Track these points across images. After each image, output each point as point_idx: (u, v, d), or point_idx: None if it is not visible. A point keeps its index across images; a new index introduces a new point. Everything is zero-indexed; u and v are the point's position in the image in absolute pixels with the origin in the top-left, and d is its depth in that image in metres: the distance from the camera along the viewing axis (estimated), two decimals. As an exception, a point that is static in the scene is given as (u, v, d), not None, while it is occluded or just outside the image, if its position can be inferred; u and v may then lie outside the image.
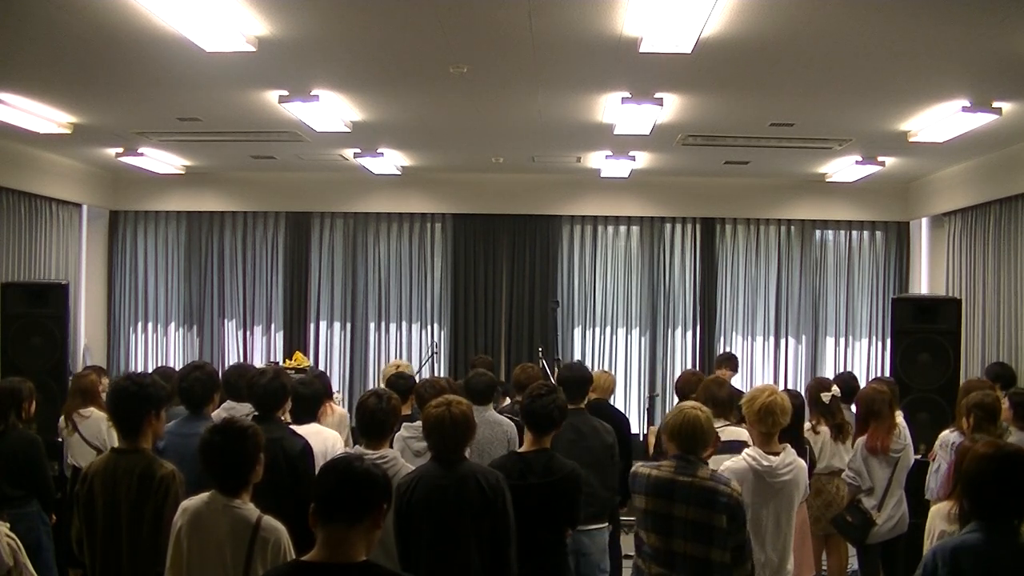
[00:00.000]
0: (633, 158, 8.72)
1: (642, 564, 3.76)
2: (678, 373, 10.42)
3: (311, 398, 4.73)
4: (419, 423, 4.75)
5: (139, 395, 3.55)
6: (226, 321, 10.69)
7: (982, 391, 5.08)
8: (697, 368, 10.21)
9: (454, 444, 3.72)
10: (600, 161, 8.96)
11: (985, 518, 2.88)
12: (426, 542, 3.64)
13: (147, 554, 3.38)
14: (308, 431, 4.48)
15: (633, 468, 3.82)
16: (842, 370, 9.56)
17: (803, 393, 6.06)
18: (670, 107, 6.54)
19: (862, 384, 6.68)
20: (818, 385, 6.15)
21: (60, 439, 5.90)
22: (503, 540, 3.65)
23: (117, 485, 3.44)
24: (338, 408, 5.96)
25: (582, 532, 4.75)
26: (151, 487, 3.42)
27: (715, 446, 3.84)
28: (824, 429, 5.93)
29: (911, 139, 7.23)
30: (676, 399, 6.07)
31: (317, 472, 2.65)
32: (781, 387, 6.89)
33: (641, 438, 8.77)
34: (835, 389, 5.98)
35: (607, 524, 5.06)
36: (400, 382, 5.30)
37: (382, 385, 5.54)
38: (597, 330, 10.58)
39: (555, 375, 7.78)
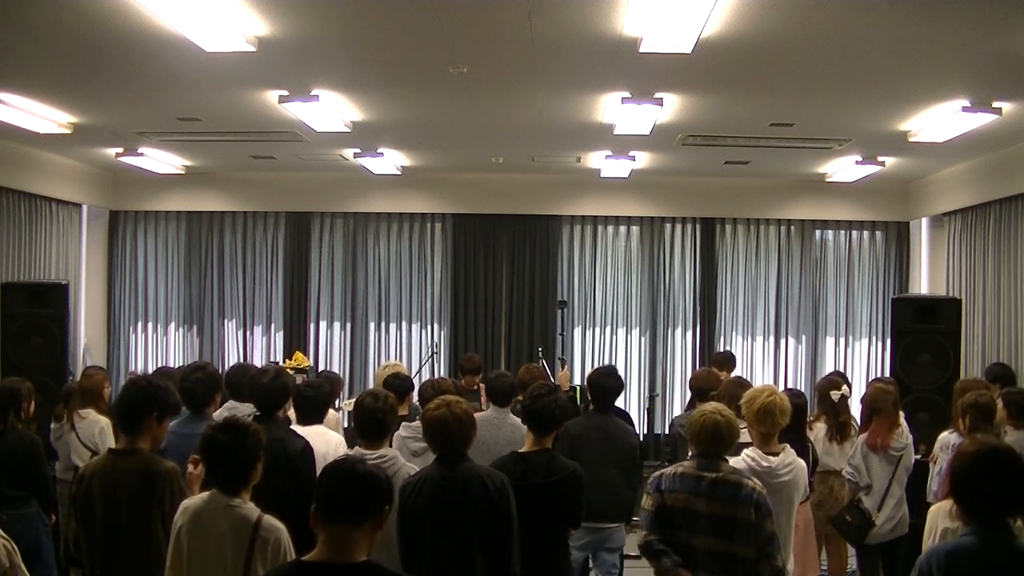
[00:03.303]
0: (633, 158, 8.72)
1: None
2: (678, 373, 10.49)
3: (316, 400, 4.71)
4: (417, 423, 4.76)
5: (146, 392, 3.56)
6: (226, 321, 10.68)
7: (976, 391, 5.09)
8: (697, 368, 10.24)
9: (459, 444, 3.71)
10: (600, 161, 8.95)
11: (978, 518, 2.84)
12: (429, 543, 3.63)
13: (150, 554, 3.38)
14: (311, 432, 4.48)
15: (658, 471, 3.88)
16: (840, 370, 9.55)
17: (812, 391, 6.04)
18: (670, 107, 6.53)
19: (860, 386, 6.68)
20: (828, 383, 6.14)
21: (52, 439, 5.86)
22: (507, 542, 3.64)
23: (117, 486, 3.43)
24: (331, 412, 5.94)
25: (607, 528, 4.91)
26: (154, 484, 3.42)
27: None
28: (819, 427, 5.91)
29: (911, 139, 7.23)
30: (688, 397, 6.08)
31: (319, 473, 2.65)
32: (781, 387, 6.90)
33: (641, 438, 8.77)
34: (845, 388, 5.97)
35: (624, 523, 5.18)
36: (397, 382, 5.29)
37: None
38: (597, 330, 10.56)
39: (556, 375, 7.81)
